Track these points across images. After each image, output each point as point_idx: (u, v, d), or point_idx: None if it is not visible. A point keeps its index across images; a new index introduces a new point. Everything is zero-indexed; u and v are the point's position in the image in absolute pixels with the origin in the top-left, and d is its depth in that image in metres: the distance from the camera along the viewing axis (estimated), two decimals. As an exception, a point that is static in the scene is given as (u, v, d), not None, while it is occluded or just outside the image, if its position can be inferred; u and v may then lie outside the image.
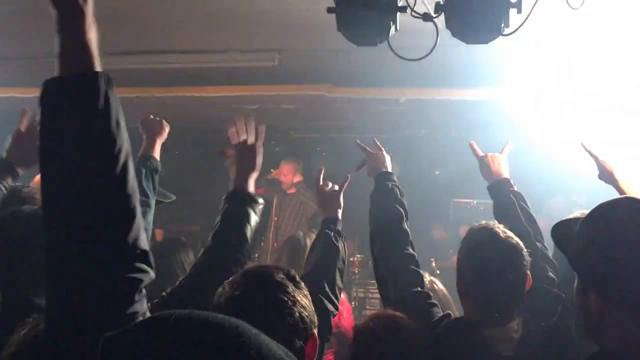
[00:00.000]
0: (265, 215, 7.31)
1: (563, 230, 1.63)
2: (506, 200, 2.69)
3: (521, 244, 2.26)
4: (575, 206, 5.19)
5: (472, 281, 2.23)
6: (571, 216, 1.71)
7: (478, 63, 4.08)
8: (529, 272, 2.23)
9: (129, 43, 4.12)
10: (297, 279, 1.63)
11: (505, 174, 2.87)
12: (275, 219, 7.19)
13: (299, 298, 1.56)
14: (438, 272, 6.63)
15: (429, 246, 7.06)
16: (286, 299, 1.53)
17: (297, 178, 7.38)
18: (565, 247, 1.60)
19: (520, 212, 2.62)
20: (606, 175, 2.90)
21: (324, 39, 3.52)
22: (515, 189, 2.79)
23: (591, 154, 2.97)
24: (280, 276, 1.59)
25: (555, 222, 2.83)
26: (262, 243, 7.43)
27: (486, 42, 2.48)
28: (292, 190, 7.33)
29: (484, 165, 2.94)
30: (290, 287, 1.57)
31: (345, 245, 2.73)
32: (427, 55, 2.54)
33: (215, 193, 9.43)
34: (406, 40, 2.69)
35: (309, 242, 4.06)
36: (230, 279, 1.62)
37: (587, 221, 1.53)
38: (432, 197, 7.60)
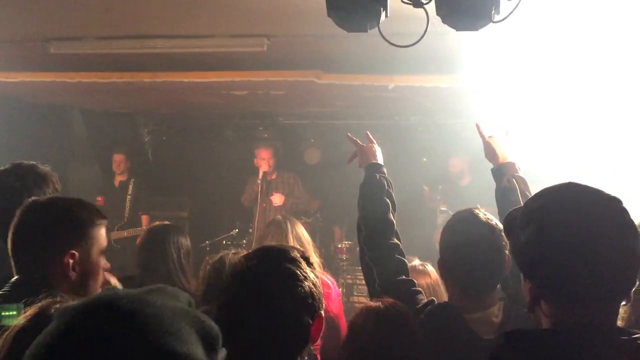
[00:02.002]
0: (251, 203, 7.34)
1: (511, 219, 1.59)
2: (508, 184, 2.71)
3: (501, 226, 2.30)
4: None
5: (451, 259, 2.31)
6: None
7: (467, 50, 4.08)
8: (508, 254, 2.27)
9: (116, 27, 4.09)
10: (311, 260, 1.70)
11: (510, 157, 2.87)
12: (264, 205, 7.19)
13: (310, 275, 1.64)
14: None
15: (413, 238, 7.08)
16: (298, 272, 1.61)
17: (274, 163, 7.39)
18: (510, 235, 1.58)
19: (521, 198, 2.65)
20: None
21: (313, 24, 3.51)
22: (520, 174, 2.80)
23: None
24: (295, 253, 1.67)
25: None
26: (251, 230, 7.44)
27: (476, 29, 2.48)
28: (274, 176, 7.34)
29: (488, 147, 2.93)
30: (303, 264, 1.65)
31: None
32: (417, 42, 2.54)
33: (203, 179, 9.41)
34: (396, 26, 2.69)
35: (289, 226, 4.06)
36: (246, 253, 1.71)
37: (524, 209, 1.51)
38: (419, 185, 7.62)
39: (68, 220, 2.04)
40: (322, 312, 1.65)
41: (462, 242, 2.27)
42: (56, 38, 4.28)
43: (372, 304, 2.24)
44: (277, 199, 7.20)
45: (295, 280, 1.59)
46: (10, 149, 5.70)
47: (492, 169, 2.89)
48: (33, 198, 2.20)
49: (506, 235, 1.66)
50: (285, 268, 1.61)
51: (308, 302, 1.60)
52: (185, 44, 4.26)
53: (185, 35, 4.17)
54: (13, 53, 4.72)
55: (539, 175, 5.94)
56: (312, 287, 1.62)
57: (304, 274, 1.62)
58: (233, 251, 2.75)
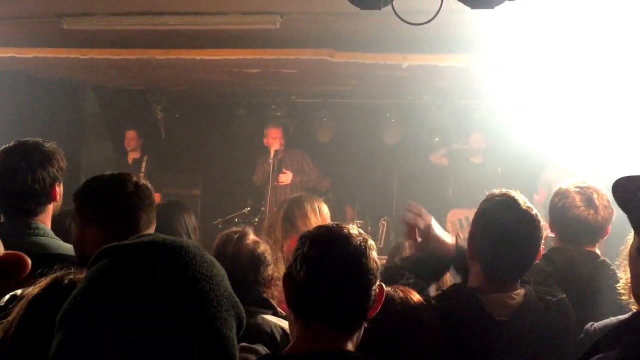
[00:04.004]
0: (263, 181, 7.36)
1: (626, 189, 1.59)
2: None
3: (539, 216, 2.25)
4: (570, 175, 5.17)
5: (486, 245, 2.24)
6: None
7: (482, 29, 4.03)
8: (542, 246, 2.24)
9: (129, 4, 4.08)
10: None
11: (448, 235, 2.49)
12: (276, 183, 7.19)
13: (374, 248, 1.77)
14: None
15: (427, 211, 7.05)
16: (369, 239, 1.77)
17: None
18: (627, 206, 1.58)
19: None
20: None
21: (326, 2, 3.48)
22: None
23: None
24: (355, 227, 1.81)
25: (553, 192, 2.82)
26: (263, 208, 7.45)
27: (492, 6, 2.45)
28: (283, 155, 7.32)
29: (435, 239, 2.43)
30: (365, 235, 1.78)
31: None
32: (431, 19, 2.51)
33: (215, 157, 9.44)
34: (410, 4, 2.66)
35: (306, 204, 4.03)
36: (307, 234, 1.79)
37: None
38: (431, 165, 7.58)
39: None
40: (382, 284, 1.75)
41: (501, 228, 2.20)
42: (69, 14, 4.27)
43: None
44: (285, 177, 7.20)
45: (368, 246, 1.73)
46: (23, 125, 5.72)
47: (454, 267, 2.52)
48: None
49: (619, 205, 1.64)
50: (358, 237, 1.73)
51: (377, 270, 1.72)
52: (198, 21, 4.24)
53: (198, 12, 4.15)
54: (26, 29, 4.72)
55: (549, 159, 5.95)
56: (376, 256, 1.75)
57: (370, 242, 1.76)
58: (238, 234, 2.70)
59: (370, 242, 1.76)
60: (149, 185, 2.37)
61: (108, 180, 2.27)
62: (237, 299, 1.03)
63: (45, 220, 2.54)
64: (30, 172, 2.48)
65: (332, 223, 1.81)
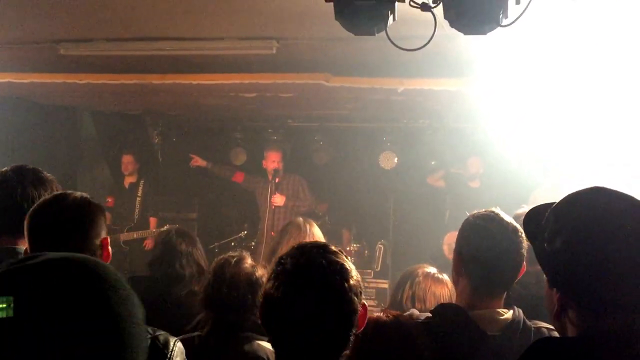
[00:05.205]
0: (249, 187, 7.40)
1: (535, 225, 1.55)
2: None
3: (522, 230, 2.29)
4: (557, 194, 5.18)
5: (471, 256, 2.28)
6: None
7: (476, 54, 4.07)
8: (525, 258, 2.27)
9: (125, 30, 4.10)
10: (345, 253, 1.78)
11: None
12: (273, 207, 7.19)
13: (352, 265, 1.72)
14: None
15: (421, 239, 7.08)
16: (345, 263, 1.69)
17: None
18: (534, 239, 1.53)
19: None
20: None
21: (322, 27, 3.51)
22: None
23: None
24: (333, 247, 1.75)
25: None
26: (258, 232, 7.44)
27: (484, 33, 2.48)
28: (278, 179, 7.33)
29: None
30: (343, 255, 1.72)
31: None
32: (424, 45, 2.54)
33: (212, 181, 9.43)
34: (405, 30, 2.69)
35: (308, 228, 4.06)
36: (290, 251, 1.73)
37: (552, 214, 1.47)
38: (428, 188, 7.60)
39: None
40: (364, 301, 1.71)
41: (487, 242, 2.25)
42: (66, 40, 4.30)
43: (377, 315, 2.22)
44: (278, 200, 7.21)
45: (346, 269, 1.66)
46: (20, 150, 5.73)
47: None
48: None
49: (529, 241, 1.62)
50: (335, 261, 1.66)
51: (359, 291, 1.67)
52: (194, 46, 4.28)
53: (194, 38, 4.18)
54: (24, 54, 4.75)
55: (549, 177, 5.96)
56: (357, 275, 1.70)
57: (349, 264, 1.69)
58: (235, 258, 2.71)
59: (349, 271, 1.66)
60: (89, 203, 2.15)
61: (39, 206, 2.13)
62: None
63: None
64: (20, 188, 2.38)
65: (305, 254, 1.68)
